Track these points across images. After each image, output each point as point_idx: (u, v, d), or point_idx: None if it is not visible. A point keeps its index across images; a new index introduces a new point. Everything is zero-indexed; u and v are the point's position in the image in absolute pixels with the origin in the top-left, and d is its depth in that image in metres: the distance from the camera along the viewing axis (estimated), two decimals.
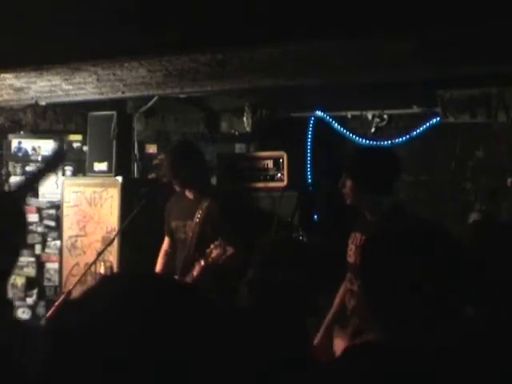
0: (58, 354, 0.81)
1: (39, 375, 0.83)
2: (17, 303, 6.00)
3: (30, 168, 6.09)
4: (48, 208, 6.04)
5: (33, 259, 6.03)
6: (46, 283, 6.03)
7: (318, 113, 5.45)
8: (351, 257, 3.40)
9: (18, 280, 6.02)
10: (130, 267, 4.97)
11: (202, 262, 3.98)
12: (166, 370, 0.78)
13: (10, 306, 1.64)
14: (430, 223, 1.79)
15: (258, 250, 2.34)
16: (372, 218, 3.32)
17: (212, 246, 3.95)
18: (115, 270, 4.82)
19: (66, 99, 5.45)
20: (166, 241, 4.55)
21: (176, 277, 4.15)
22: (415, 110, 5.14)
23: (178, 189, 4.36)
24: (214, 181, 5.46)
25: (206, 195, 4.28)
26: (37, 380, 0.83)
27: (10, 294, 6.02)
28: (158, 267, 4.50)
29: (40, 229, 6.06)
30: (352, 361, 1.53)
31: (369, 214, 3.34)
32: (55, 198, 5.91)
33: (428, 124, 5.09)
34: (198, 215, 4.23)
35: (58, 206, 5.82)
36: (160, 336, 0.80)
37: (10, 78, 4.91)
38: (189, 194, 4.36)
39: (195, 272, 4.02)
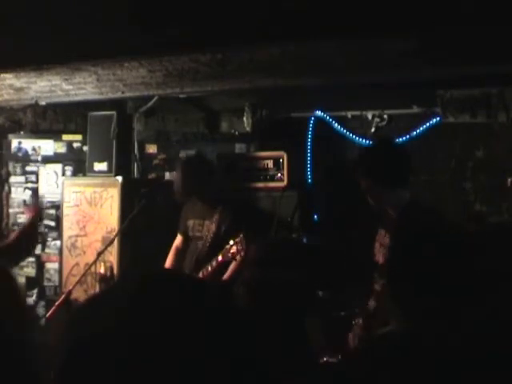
0: (73, 356, 0.81)
1: (55, 375, 0.83)
2: None
3: (29, 168, 6.10)
4: (48, 208, 6.04)
5: (33, 259, 6.02)
6: (45, 283, 6.03)
7: (318, 113, 5.45)
8: (375, 255, 3.29)
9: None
10: (130, 267, 4.97)
11: (220, 257, 4.12)
12: (179, 369, 0.78)
13: None
14: (444, 222, 1.85)
15: (255, 250, 2.33)
16: (394, 214, 3.20)
17: (232, 242, 4.06)
18: (115, 270, 4.83)
19: (66, 99, 5.45)
20: (179, 238, 4.64)
21: (188, 272, 4.27)
22: (415, 109, 5.14)
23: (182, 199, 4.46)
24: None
25: (218, 203, 4.40)
26: (53, 380, 0.84)
27: None
28: (169, 262, 4.62)
29: (40, 229, 6.06)
30: (362, 356, 1.55)
31: (390, 210, 3.22)
32: (55, 198, 5.91)
33: (428, 124, 5.09)
34: (216, 216, 4.37)
35: (58, 206, 5.82)
36: (175, 335, 0.80)
37: (10, 78, 4.91)
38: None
39: (210, 267, 4.17)
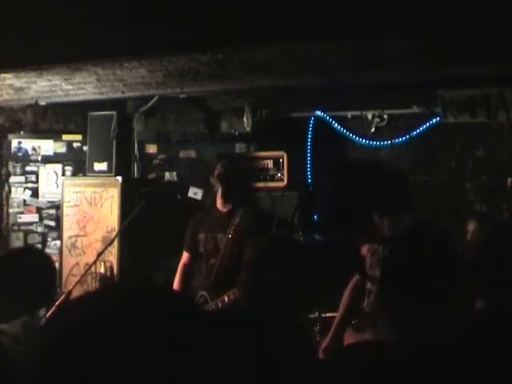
0: (53, 354, 0.81)
1: (33, 374, 0.83)
2: None
3: (29, 168, 6.10)
4: (48, 208, 6.04)
5: None
6: None
7: (318, 113, 5.45)
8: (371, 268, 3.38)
9: None
10: (130, 267, 4.97)
11: (236, 293, 3.89)
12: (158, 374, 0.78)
13: None
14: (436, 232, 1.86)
15: (252, 250, 2.33)
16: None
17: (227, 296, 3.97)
18: (115, 270, 4.83)
19: (66, 99, 5.46)
20: (186, 256, 4.40)
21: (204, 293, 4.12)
22: (415, 110, 5.14)
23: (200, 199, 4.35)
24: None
25: (238, 210, 4.20)
26: (31, 379, 0.83)
27: None
28: (177, 282, 4.35)
29: (40, 229, 6.06)
30: (349, 358, 1.54)
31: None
32: (55, 198, 5.92)
33: (428, 124, 5.09)
34: (231, 231, 4.13)
35: (58, 206, 5.82)
36: (155, 343, 0.80)
37: (10, 78, 4.91)
38: (223, 207, 4.27)
39: (227, 298, 3.97)
